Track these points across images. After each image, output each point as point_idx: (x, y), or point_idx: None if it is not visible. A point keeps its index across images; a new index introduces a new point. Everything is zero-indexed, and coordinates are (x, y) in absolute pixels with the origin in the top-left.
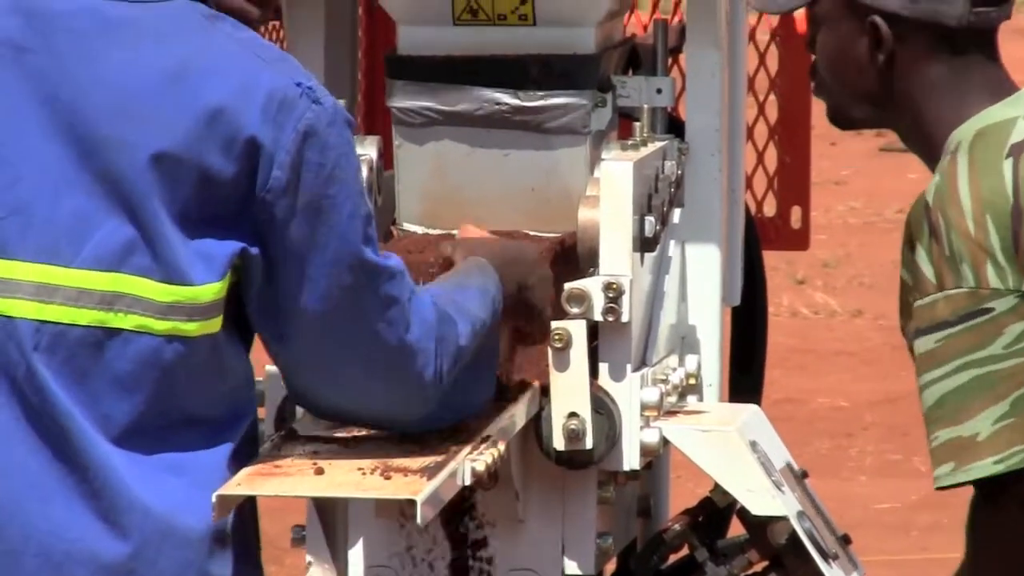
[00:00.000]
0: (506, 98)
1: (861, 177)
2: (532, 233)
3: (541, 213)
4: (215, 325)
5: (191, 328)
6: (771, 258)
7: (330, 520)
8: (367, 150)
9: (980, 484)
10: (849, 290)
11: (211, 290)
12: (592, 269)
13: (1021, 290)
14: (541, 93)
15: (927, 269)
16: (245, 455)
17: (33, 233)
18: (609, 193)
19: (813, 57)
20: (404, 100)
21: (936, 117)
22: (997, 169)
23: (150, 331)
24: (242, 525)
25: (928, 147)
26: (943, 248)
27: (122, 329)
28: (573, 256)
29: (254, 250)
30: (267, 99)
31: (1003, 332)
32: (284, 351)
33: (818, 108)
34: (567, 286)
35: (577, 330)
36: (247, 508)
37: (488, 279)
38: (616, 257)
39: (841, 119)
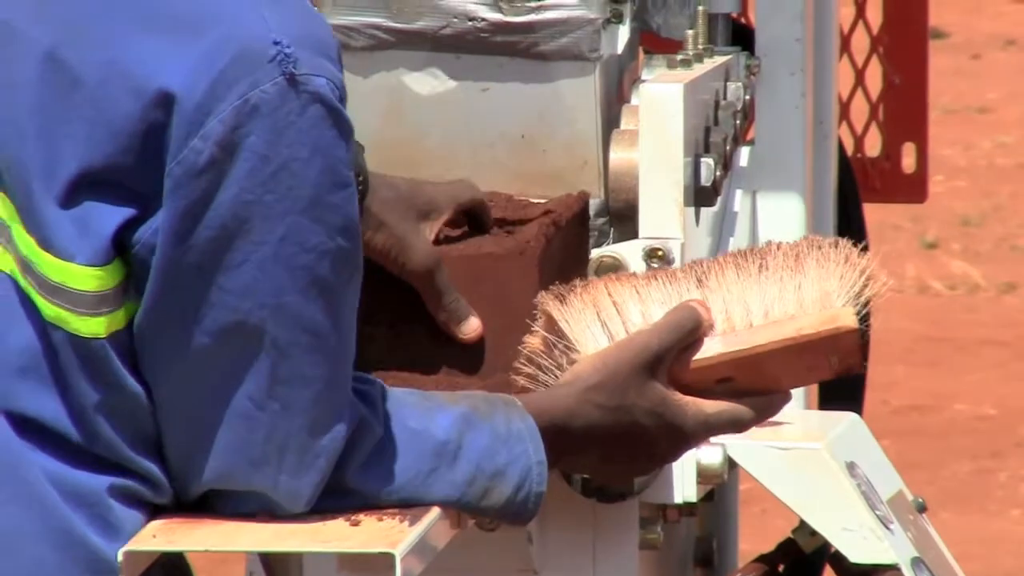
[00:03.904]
0: (484, 11)
1: (1014, 102)
2: (518, 197)
3: (534, 170)
4: (97, 325)
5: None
6: (889, 214)
7: (280, 574)
8: None
9: None
10: (997, 257)
11: (91, 276)
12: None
13: None
14: (533, 3)
15: None
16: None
17: None
18: (652, 126)
19: None
20: (342, 14)
21: None
22: None
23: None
24: None
25: None
26: None
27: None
28: (572, 236)
29: (148, 232)
30: (218, 43)
31: None
32: (155, 393)
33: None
34: (595, 254)
35: None
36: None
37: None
38: (662, 213)
39: None
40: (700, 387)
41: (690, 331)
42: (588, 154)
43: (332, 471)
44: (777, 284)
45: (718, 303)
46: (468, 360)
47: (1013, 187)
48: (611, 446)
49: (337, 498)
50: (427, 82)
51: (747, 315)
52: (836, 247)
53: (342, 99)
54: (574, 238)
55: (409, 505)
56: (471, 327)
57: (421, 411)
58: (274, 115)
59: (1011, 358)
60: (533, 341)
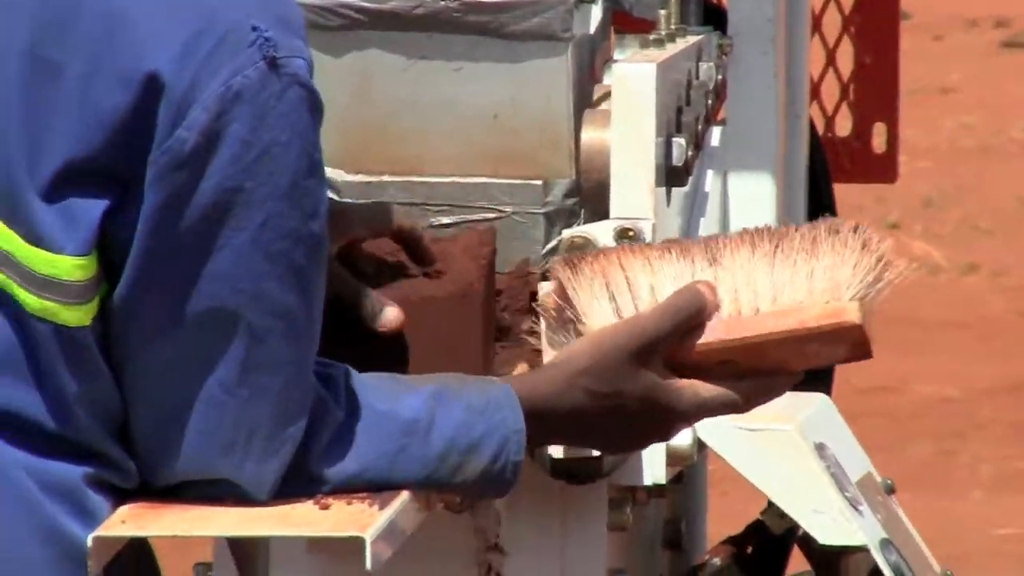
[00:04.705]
0: None
1: (976, 83)
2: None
3: (505, 151)
4: (81, 315)
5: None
6: (852, 195)
7: (247, 556)
8: None
9: None
10: (959, 238)
11: (78, 266)
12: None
13: None
14: None
15: None
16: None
17: None
18: (624, 106)
19: None
20: None
21: None
22: None
23: None
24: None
25: None
26: None
27: None
28: (491, 273)
29: (129, 218)
30: (200, 31)
31: None
32: (125, 379)
33: None
34: (566, 234)
35: None
36: (131, 551)
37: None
38: (633, 193)
39: None
40: (701, 367)
41: (691, 316)
42: (560, 134)
43: (304, 460)
44: (790, 269)
45: (728, 283)
46: None
47: (975, 168)
48: (599, 430)
49: (301, 484)
50: (399, 62)
51: (755, 299)
52: (855, 232)
53: (313, 78)
54: (492, 275)
55: (378, 487)
56: (388, 318)
57: (388, 392)
58: (255, 100)
59: (972, 339)
60: (547, 301)
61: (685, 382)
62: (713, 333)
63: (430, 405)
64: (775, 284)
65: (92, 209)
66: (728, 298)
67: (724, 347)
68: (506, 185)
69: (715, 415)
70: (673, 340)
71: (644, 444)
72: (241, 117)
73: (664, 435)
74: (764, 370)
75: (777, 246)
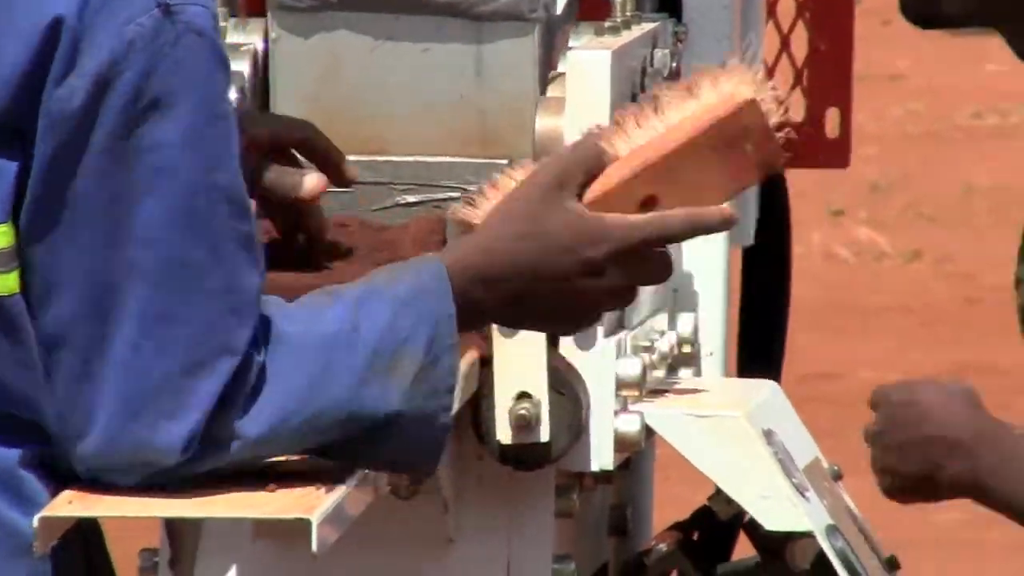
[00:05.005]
0: None
1: (924, 70)
2: (371, 218)
3: (472, 131)
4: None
5: None
6: (798, 180)
7: (188, 540)
8: (250, 37)
9: None
10: (903, 224)
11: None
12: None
13: None
14: None
15: None
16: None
17: None
18: (579, 93)
19: None
20: None
21: None
22: None
23: None
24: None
25: None
26: None
27: None
28: None
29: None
30: None
31: None
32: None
33: None
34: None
35: None
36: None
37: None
38: None
39: (922, 8)
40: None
41: (588, 156)
42: (526, 116)
43: (220, 418)
44: (677, 111)
45: (625, 150)
46: None
47: (921, 154)
48: (541, 276)
49: (230, 438)
50: (366, 43)
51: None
52: (725, 68)
53: (216, 28)
54: None
55: (312, 414)
56: (309, 186)
57: (309, 311)
58: (148, 48)
59: (916, 326)
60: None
61: (610, 214)
62: (618, 172)
63: (353, 311)
64: (667, 123)
65: (6, 172)
66: (625, 148)
67: (634, 177)
68: (472, 164)
69: (652, 243)
70: (579, 176)
71: (588, 305)
72: (133, 65)
73: (610, 270)
74: (689, 202)
75: (656, 107)
